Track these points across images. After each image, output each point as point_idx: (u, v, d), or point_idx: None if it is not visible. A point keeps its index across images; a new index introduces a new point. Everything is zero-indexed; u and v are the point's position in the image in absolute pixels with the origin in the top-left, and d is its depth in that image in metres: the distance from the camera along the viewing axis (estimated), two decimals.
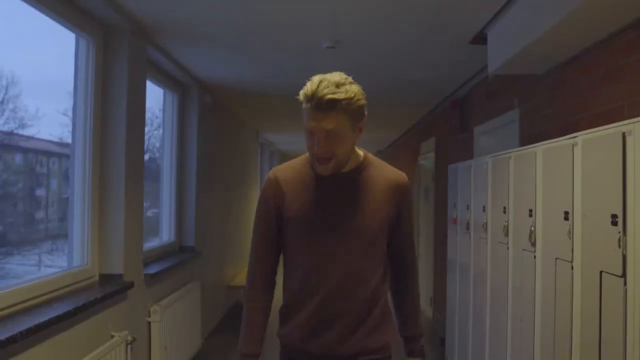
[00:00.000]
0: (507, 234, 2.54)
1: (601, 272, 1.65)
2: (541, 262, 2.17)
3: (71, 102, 2.91)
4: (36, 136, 2.81)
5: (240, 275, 6.79)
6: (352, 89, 1.51)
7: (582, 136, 1.87)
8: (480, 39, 3.31)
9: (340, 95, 1.47)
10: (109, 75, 3.04)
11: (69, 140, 2.93)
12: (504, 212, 2.56)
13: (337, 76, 1.52)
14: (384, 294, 1.70)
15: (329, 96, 1.47)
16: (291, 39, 3.52)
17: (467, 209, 3.25)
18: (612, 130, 1.66)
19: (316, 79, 1.51)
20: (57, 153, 3.16)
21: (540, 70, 3.13)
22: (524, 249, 2.34)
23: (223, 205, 6.00)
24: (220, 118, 5.68)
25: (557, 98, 2.97)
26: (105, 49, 3.04)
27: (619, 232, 1.56)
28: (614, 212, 1.60)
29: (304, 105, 1.53)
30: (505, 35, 2.92)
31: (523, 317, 2.38)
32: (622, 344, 1.53)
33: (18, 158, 2.91)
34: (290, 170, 1.70)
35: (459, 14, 2.97)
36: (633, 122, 1.55)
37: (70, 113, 2.92)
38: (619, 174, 1.58)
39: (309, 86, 1.50)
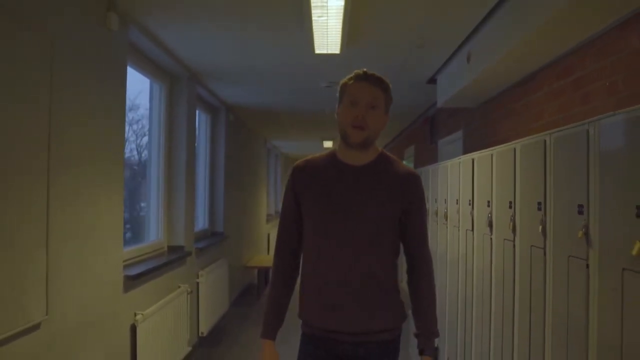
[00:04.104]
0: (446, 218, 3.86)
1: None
2: (473, 237, 3.48)
3: None
4: None
5: (253, 259, 8.11)
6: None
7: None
8: (434, 80, 4.65)
9: (385, 79, 1.77)
10: (174, 109, 4.38)
11: None
12: (435, 202, 3.89)
13: None
14: (392, 283, 1.78)
15: (378, 75, 1.76)
16: (296, 81, 4.84)
17: None
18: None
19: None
20: None
21: (473, 105, 4.47)
22: (467, 230, 3.66)
23: (241, 200, 7.32)
24: (239, 130, 7.02)
25: (483, 126, 4.30)
26: (171, 91, 4.38)
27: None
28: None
29: (351, 83, 1.74)
30: (447, 80, 4.24)
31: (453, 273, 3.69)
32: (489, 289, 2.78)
33: None
34: (311, 161, 1.85)
35: (418, 64, 4.27)
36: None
37: None
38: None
39: (358, 70, 1.77)
